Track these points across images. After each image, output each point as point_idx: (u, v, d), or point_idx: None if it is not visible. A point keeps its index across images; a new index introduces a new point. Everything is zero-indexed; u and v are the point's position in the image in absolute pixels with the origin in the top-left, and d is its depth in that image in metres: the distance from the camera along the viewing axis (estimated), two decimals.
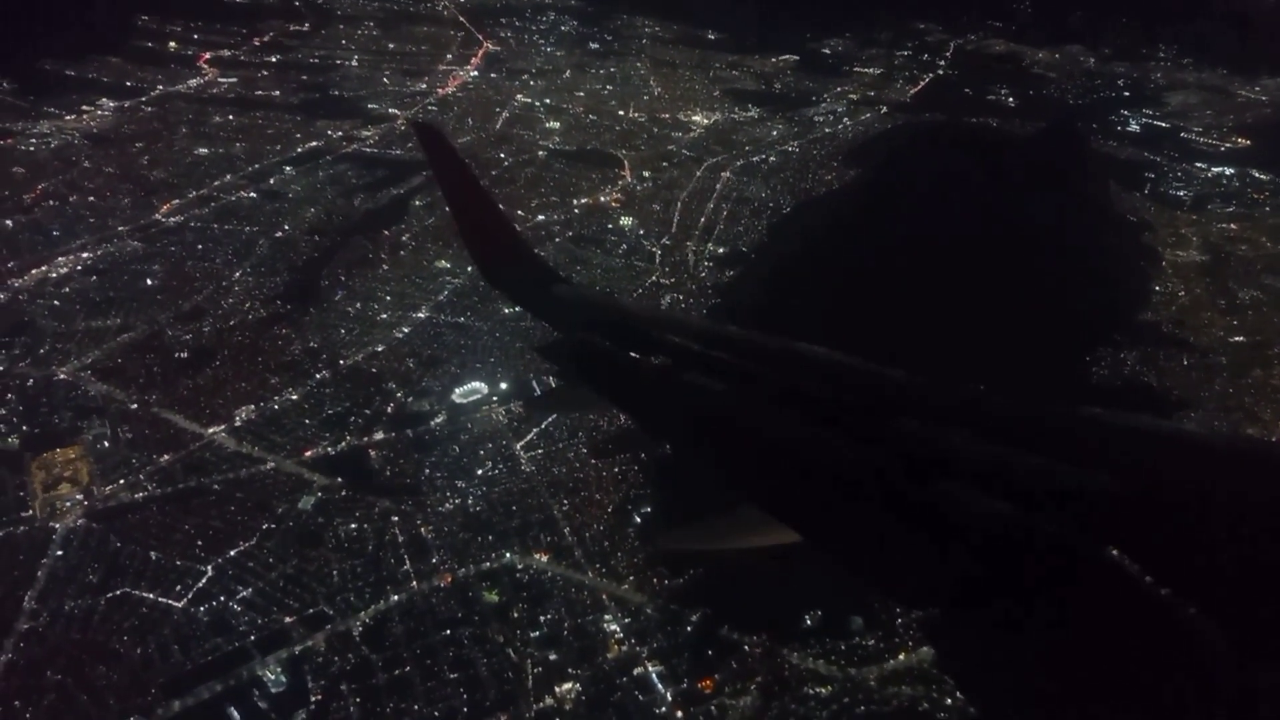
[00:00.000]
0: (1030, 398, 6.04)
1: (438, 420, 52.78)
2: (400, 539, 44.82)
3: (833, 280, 66.73)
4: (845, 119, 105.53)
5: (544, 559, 44.12)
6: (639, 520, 46.41)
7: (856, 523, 5.39)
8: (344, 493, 47.27)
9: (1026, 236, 75.55)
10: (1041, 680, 4.02)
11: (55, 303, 59.95)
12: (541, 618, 41.21)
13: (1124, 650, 3.84)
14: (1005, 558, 4.55)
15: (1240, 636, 3.64)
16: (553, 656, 39.41)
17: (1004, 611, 4.29)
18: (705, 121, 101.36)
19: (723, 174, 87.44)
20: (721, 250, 73.57)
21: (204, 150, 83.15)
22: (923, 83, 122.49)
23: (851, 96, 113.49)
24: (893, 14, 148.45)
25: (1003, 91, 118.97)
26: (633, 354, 8.96)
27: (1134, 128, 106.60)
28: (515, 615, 41.29)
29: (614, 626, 40.97)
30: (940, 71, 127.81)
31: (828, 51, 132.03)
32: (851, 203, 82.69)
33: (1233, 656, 3.60)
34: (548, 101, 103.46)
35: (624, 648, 40.01)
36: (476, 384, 55.28)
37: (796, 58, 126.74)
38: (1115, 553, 4.14)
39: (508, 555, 44.21)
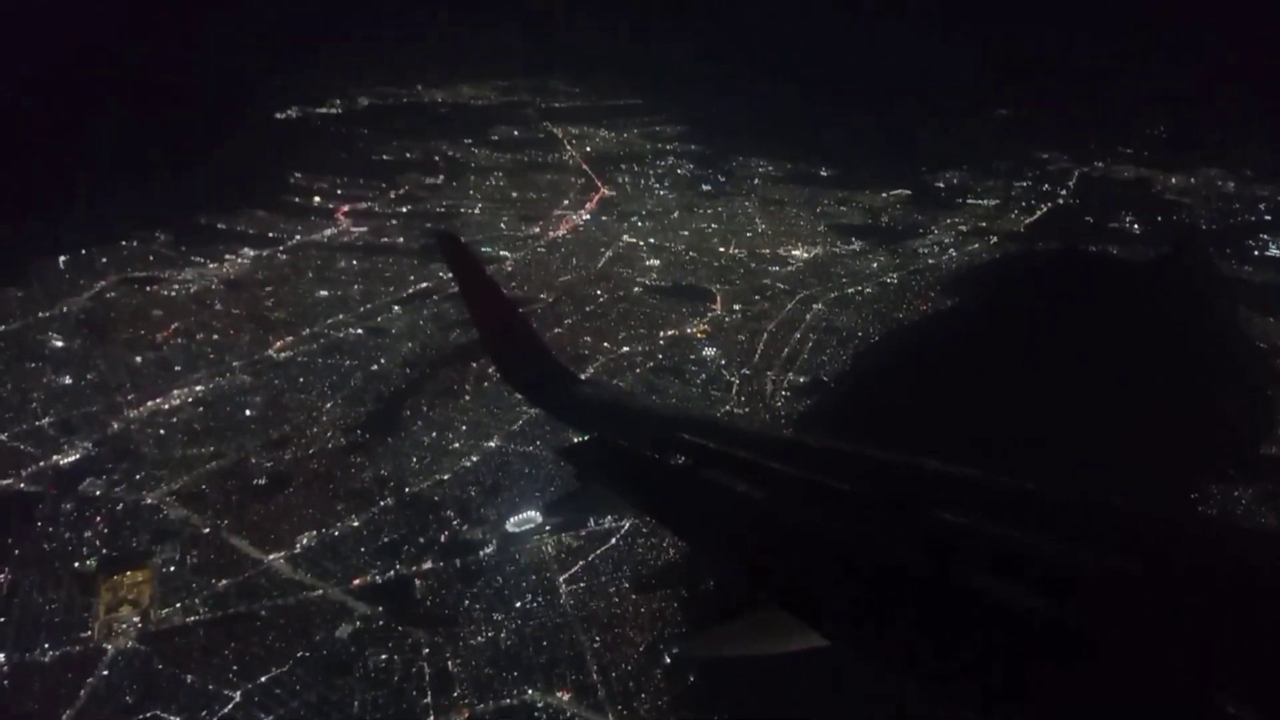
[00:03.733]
0: (1064, 488, 5.95)
1: (487, 550, 52.59)
2: (427, 671, 44.21)
3: (913, 404, 63.19)
4: (951, 250, 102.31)
5: (565, 697, 42.48)
6: (668, 660, 43.64)
7: (881, 620, 5.24)
8: (381, 622, 47.06)
9: (1137, 360, 69.71)
10: None
11: (161, 431, 63.76)
12: None
13: None
14: (1030, 651, 4.49)
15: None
16: None
17: (1032, 706, 4.19)
18: (805, 255, 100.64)
19: (814, 305, 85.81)
20: (802, 379, 71.81)
21: (324, 292, 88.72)
22: (1039, 212, 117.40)
23: (961, 228, 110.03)
24: (1014, 144, 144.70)
25: (1128, 219, 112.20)
26: (653, 453, 8.99)
27: (1274, 252, 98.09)
28: None
29: None
30: (1060, 200, 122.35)
31: (941, 185, 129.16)
32: (943, 330, 79.07)
33: None
34: (652, 241, 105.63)
35: None
36: (532, 513, 54.64)
37: (909, 192, 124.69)
38: (1139, 640, 4.19)
39: (530, 692, 42.60)
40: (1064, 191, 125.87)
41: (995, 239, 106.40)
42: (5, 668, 43.97)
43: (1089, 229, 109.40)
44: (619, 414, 11.52)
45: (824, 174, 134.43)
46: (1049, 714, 4.10)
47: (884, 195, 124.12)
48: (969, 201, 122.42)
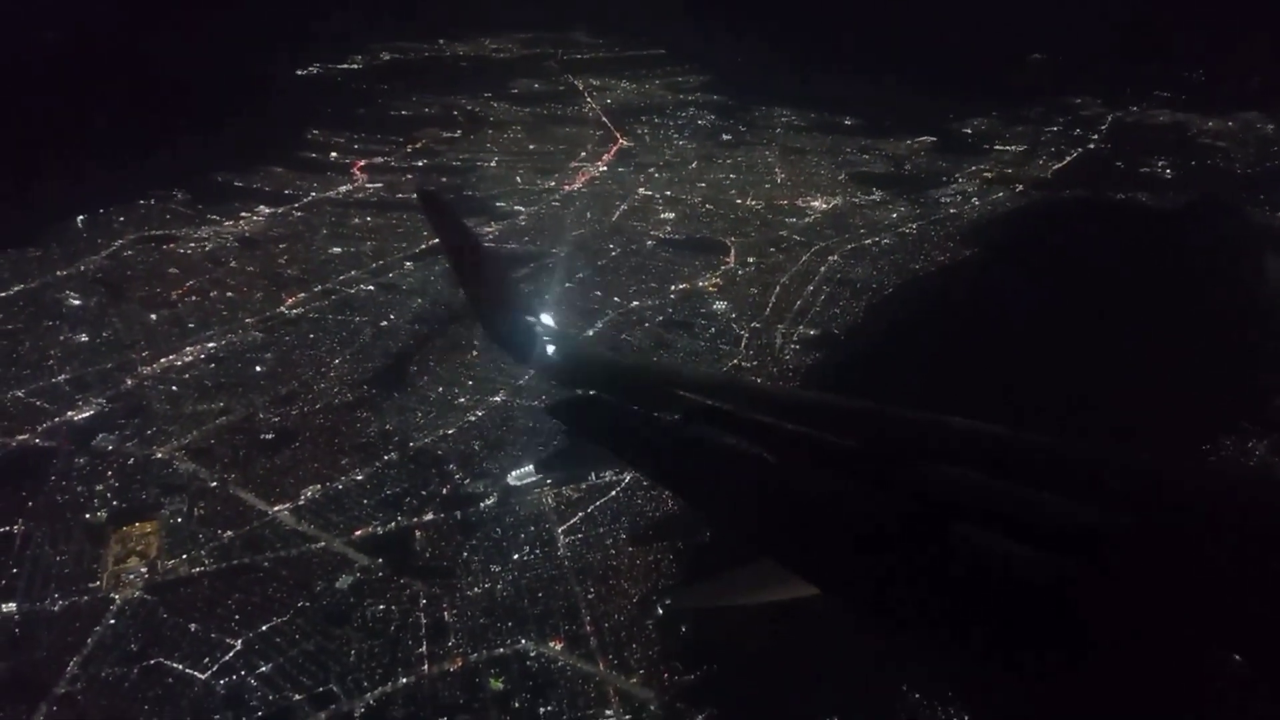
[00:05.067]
0: (1069, 440, 5.92)
1: (488, 503, 52.86)
2: (423, 621, 44.74)
3: (924, 357, 62.43)
4: (974, 199, 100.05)
5: (558, 647, 42.81)
6: (661, 612, 43.92)
7: (872, 571, 5.19)
8: (380, 573, 47.71)
9: (1157, 310, 68.18)
10: None
11: (174, 388, 64.77)
12: (541, 709, 39.53)
13: (1146, 688, 3.76)
14: (1023, 601, 4.44)
15: (1263, 670, 3.58)
16: None
17: (1028, 657, 4.14)
18: (824, 206, 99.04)
19: (830, 257, 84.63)
20: (813, 333, 71.06)
21: (337, 249, 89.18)
22: (1069, 158, 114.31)
23: (986, 175, 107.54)
24: (1047, 89, 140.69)
25: (1160, 164, 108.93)
26: (642, 408, 9.02)
27: None
28: (515, 705, 39.73)
29: None
30: (1092, 145, 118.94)
31: (969, 131, 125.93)
32: (959, 281, 77.71)
33: (1256, 690, 3.51)
34: (668, 193, 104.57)
35: None
36: (534, 467, 54.77)
37: (934, 138, 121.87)
38: (1137, 591, 4.18)
39: (523, 642, 42.99)
40: (1095, 136, 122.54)
41: (1020, 187, 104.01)
42: (16, 616, 45.20)
43: (1119, 174, 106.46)
44: (608, 369, 11.59)
45: (848, 122, 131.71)
46: (1046, 666, 4.05)
47: (908, 142, 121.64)
48: (996, 148, 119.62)
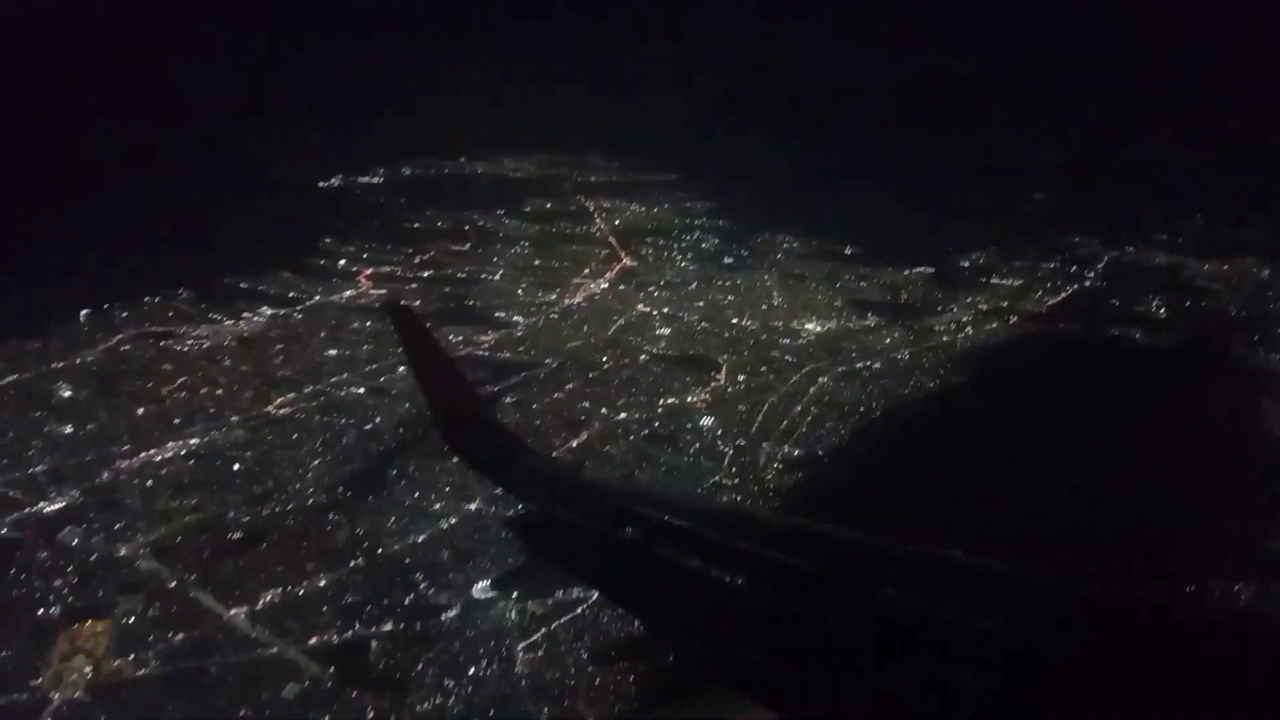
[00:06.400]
0: (1023, 568, 5.93)
1: (449, 614, 51.49)
2: None
3: (906, 482, 61.60)
4: (968, 328, 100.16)
5: None
6: None
7: (832, 698, 5.19)
8: (330, 684, 46.16)
9: (1147, 447, 67.17)
10: None
11: (149, 483, 64.42)
12: None
13: None
14: None
15: None
16: None
17: None
18: (818, 329, 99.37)
19: (820, 379, 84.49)
20: (797, 453, 70.31)
21: (333, 351, 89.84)
22: (1064, 294, 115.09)
23: (981, 307, 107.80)
24: (1046, 228, 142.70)
25: (1154, 303, 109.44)
26: (602, 526, 9.11)
27: None
28: None
29: None
30: (1087, 283, 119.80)
31: (966, 264, 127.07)
32: (948, 407, 77.28)
33: None
34: (665, 310, 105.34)
35: None
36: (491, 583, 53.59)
37: (932, 269, 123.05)
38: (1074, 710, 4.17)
39: None
40: (1091, 274, 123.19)
41: (1015, 319, 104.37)
42: None
43: (1114, 312, 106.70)
44: (569, 486, 11.98)
45: (848, 251, 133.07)
46: None
47: (906, 273, 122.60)
48: (993, 281, 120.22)
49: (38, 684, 45.81)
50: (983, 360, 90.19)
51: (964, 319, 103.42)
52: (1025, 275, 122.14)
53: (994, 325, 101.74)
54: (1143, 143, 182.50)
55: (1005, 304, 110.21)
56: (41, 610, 51.14)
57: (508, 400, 79.58)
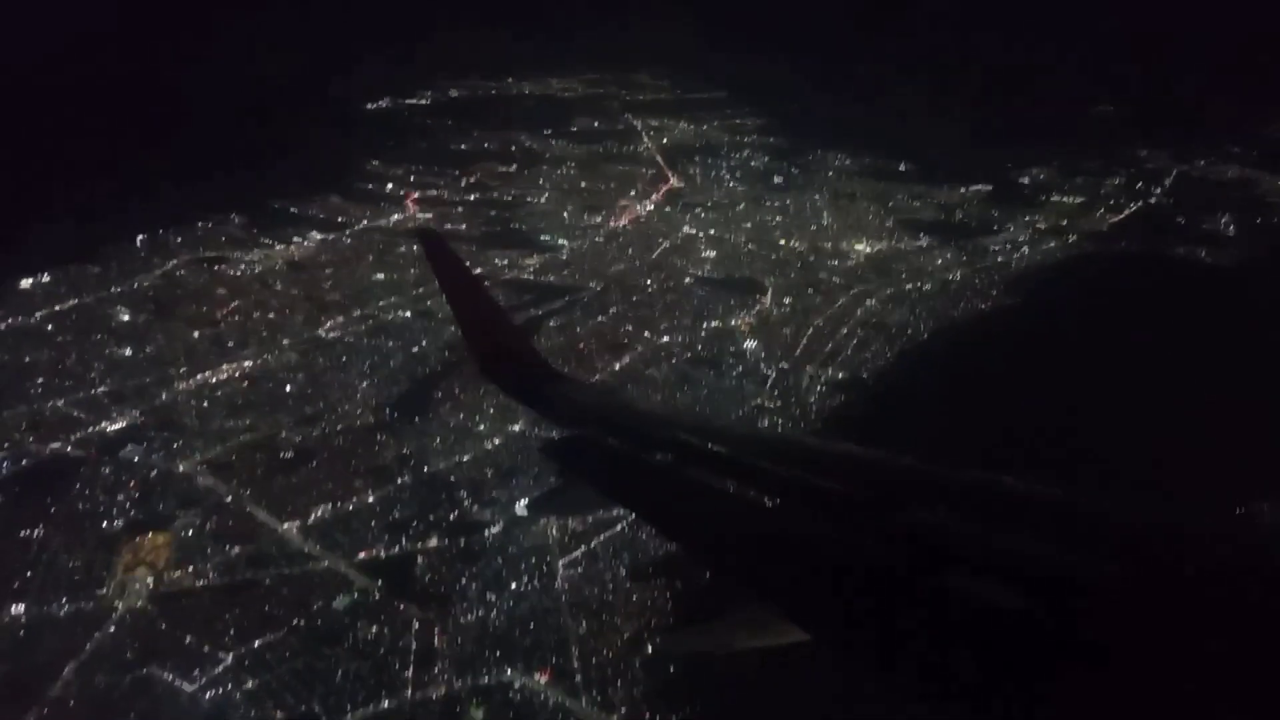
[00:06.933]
0: (1070, 493, 5.88)
1: (492, 531, 52.62)
2: (413, 646, 44.52)
3: (951, 406, 60.85)
4: (1025, 248, 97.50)
5: (543, 680, 42.19)
6: (650, 651, 43.11)
7: (863, 618, 5.22)
8: (377, 596, 47.73)
9: (1202, 371, 65.33)
10: None
11: (205, 404, 66.33)
12: None
13: None
14: (1011, 653, 4.44)
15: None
16: None
17: (1014, 709, 4.15)
18: (867, 250, 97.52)
19: (868, 301, 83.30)
20: (840, 376, 69.67)
21: (380, 276, 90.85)
22: (1128, 211, 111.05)
23: (1040, 225, 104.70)
24: (1112, 141, 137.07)
25: (1223, 220, 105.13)
26: (636, 450, 9.09)
27: None
28: None
29: None
30: (1153, 199, 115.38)
31: (1026, 181, 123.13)
32: (998, 330, 75.73)
33: None
34: (712, 232, 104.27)
35: None
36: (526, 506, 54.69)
37: (989, 187, 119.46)
38: (1127, 643, 4.13)
39: (509, 672, 42.45)
40: (1158, 190, 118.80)
41: (1074, 237, 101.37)
42: (23, 619, 46.33)
43: (1179, 230, 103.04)
44: (603, 411, 11.54)
45: (902, 168, 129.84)
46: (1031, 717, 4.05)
47: (962, 191, 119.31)
48: (1053, 199, 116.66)
49: (103, 593, 48.19)
50: (1038, 281, 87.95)
51: (1020, 238, 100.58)
52: (1087, 192, 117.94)
53: (1051, 244, 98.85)
54: (1219, 44, 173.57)
55: (1065, 222, 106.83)
56: (105, 524, 53.52)
57: (551, 324, 79.94)
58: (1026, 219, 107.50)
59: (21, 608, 46.85)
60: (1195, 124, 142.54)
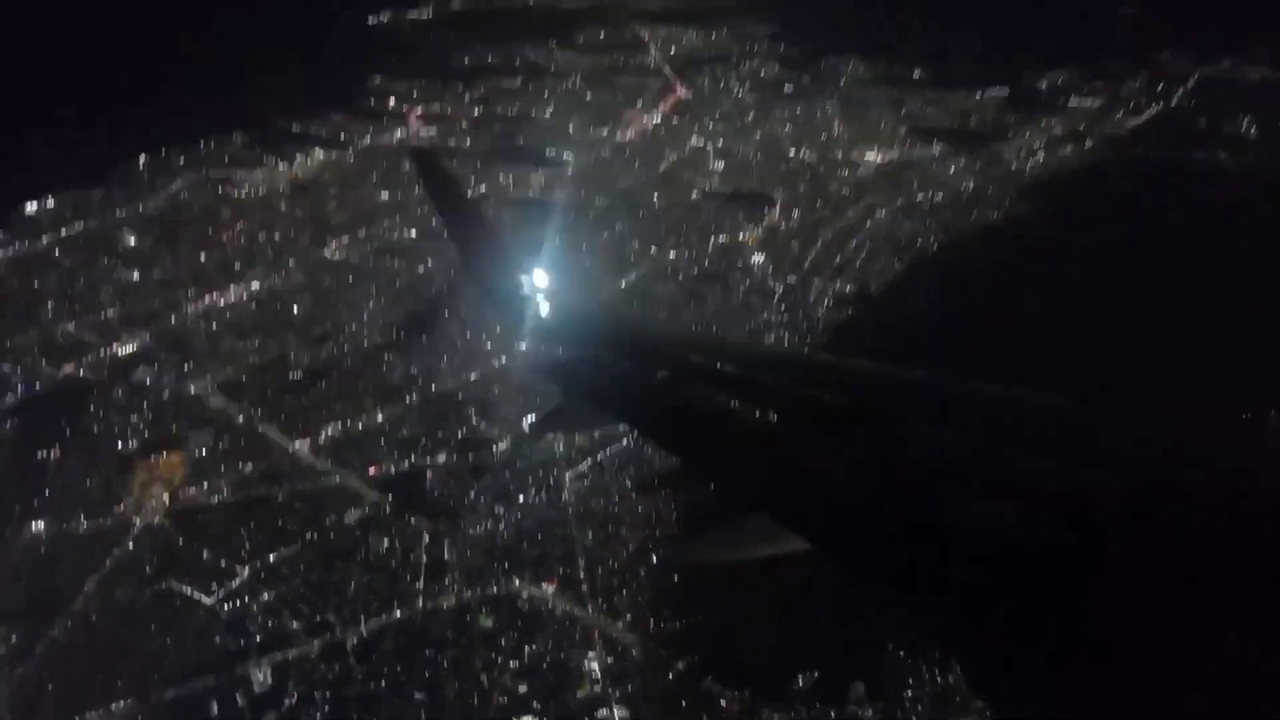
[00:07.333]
0: (1086, 407, 5.81)
1: (500, 446, 53.29)
2: (423, 559, 45.59)
3: (959, 318, 60.51)
4: (1040, 154, 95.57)
5: (550, 589, 43.24)
6: (655, 560, 44.04)
7: (864, 529, 5.26)
8: (388, 510, 48.72)
9: (1217, 280, 64.38)
10: (1067, 693, 3.89)
11: (214, 326, 66.97)
12: (526, 648, 40.21)
13: (1144, 654, 3.73)
14: (1013, 564, 4.44)
15: (1258, 632, 3.58)
16: (522, 689, 38.46)
17: (1015, 620, 4.17)
18: (878, 160, 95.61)
19: (878, 212, 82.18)
20: (849, 289, 69.20)
21: (385, 195, 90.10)
22: (1148, 114, 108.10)
23: (1056, 131, 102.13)
24: (1133, 42, 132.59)
25: (1245, 123, 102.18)
26: (635, 368, 9.11)
27: None
28: (502, 643, 40.45)
29: (594, 665, 39.19)
30: (1174, 103, 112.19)
31: (1043, 85, 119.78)
32: (1008, 239, 74.71)
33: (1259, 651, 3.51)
34: (719, 144, 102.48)
35: (596, 688, 38.08)
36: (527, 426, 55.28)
37: (1006, 91, 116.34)
38: (1127, 554, 4.14)
39: (517, 583, 43.55)
40: (1180, 92, 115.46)
41: (1091, 143, 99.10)
42: (44, 536, 47.70)
43: (1200, 134, 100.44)
44: (600, 329, 11.59)
45: (916, 75, 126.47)
46: (1031, 627, 4.04)
47: (977, 96, 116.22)
48: (1070, 103, 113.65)
49: (120, 510, 49.45)
50: (1053, 189, 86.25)
51: (1036, 145, 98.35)
52: (1107, 95, 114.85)
53: (1068, 151, 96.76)
54: None
55: (1082, 127, 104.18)
56: (120, 444, 54.59)
57: (557, 243, 79.48)
58: (1043, 124, 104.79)
59: (41, 525, 48.19)
60: (1220, 23, 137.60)
